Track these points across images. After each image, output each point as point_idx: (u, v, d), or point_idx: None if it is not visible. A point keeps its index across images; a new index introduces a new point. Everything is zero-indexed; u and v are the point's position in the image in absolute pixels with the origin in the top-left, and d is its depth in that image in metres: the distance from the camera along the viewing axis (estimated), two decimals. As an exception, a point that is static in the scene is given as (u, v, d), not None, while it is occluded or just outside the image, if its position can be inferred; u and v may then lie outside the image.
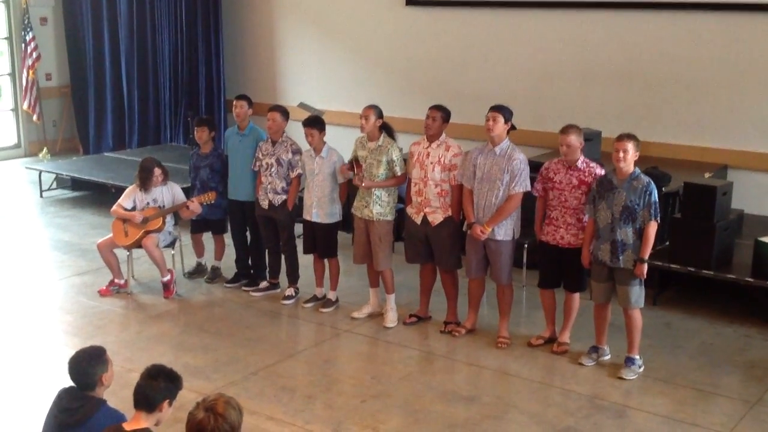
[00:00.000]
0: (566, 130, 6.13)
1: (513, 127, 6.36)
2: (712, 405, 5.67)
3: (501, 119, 6.25)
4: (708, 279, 7.06)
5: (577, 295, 6.40)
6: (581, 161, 6.17)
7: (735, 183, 7.55)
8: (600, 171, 6.15)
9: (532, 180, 6.38)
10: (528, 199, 6.43)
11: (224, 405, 3.31)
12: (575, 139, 6.10)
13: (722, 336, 6.74)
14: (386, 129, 6.78)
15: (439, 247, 6.67)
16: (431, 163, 6.53)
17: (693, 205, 7.00)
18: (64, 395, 4.00)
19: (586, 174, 6.13)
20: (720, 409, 5.62)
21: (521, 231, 6.54)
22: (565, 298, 6.43)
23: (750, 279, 6.80)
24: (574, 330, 6.51)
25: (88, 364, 3.96)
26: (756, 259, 6.81)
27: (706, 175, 7.78)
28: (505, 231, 6.37)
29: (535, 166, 6.58)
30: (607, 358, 6.26)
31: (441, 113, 6.55)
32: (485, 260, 6.52)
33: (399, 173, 6.71)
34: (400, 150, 6.79)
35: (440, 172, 6.51)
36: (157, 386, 3.66)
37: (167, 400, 3.70)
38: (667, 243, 7.20)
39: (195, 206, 7.45)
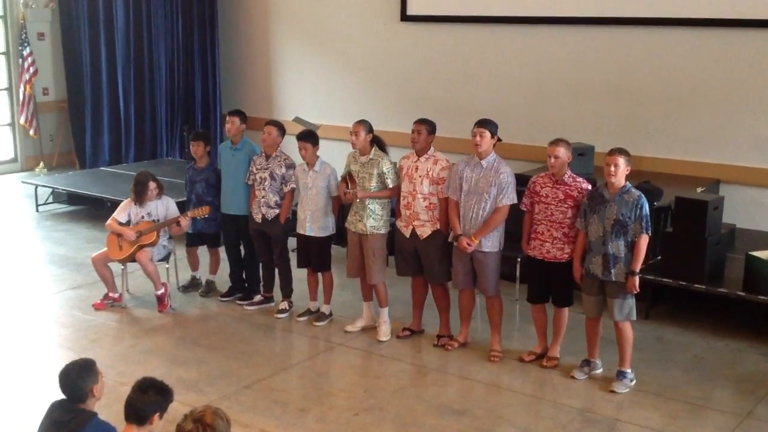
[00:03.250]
0: (556, 141, 6.18)
1: (499, 140, 6.41)
2: (704, 419, 5.69)
3: (488, 134, 6.31)
4: (700, 293, 7.08)
5: (565, 310, 6.41)
6: (568, 175, 6.20)
7: (727, 197, 7.59)
8: (586, 185, 6.18)
9: (520, 194, 6.41)
10: (512, 213, 6.44)
11: (212, 416, 3.34)
12: (564, 152, 6.13)
13: (714, 350, 6.77)
14: (377, 143, 6.83)
15: (428, 260, 6.69)
16: (420, 176, 6.57)
17: (685, 219, 7.03)
18: (56, 408, 4.02)
19: (573, 188, 6.17)
20: (711, 423, 5.63)
21: (508, 245, 6.57)
22: (553, 313, 6.44)
23: (741, 293, 6.81)
24: (567, 343, 6.53)
25: (78, 376, 3.98)
26: (747, 273, 6.84)
27: (699, 189, 7.81)
28: (492, 242, 6.40)
29: (526, 181, 6.61)
30: (599, 371, 6.28)
31: (426, 126, 6.60)
32: (473, 272, 6.54)
33: (390, 185, 6.75)
34: (393, 163, 6.83)
35: (428, 186, 6.55)
36: (147, 399, 3.68)
37: (158, 413, 3.72)
38: (659, 257, 7.23)
39: (185, 223, 7.48)
